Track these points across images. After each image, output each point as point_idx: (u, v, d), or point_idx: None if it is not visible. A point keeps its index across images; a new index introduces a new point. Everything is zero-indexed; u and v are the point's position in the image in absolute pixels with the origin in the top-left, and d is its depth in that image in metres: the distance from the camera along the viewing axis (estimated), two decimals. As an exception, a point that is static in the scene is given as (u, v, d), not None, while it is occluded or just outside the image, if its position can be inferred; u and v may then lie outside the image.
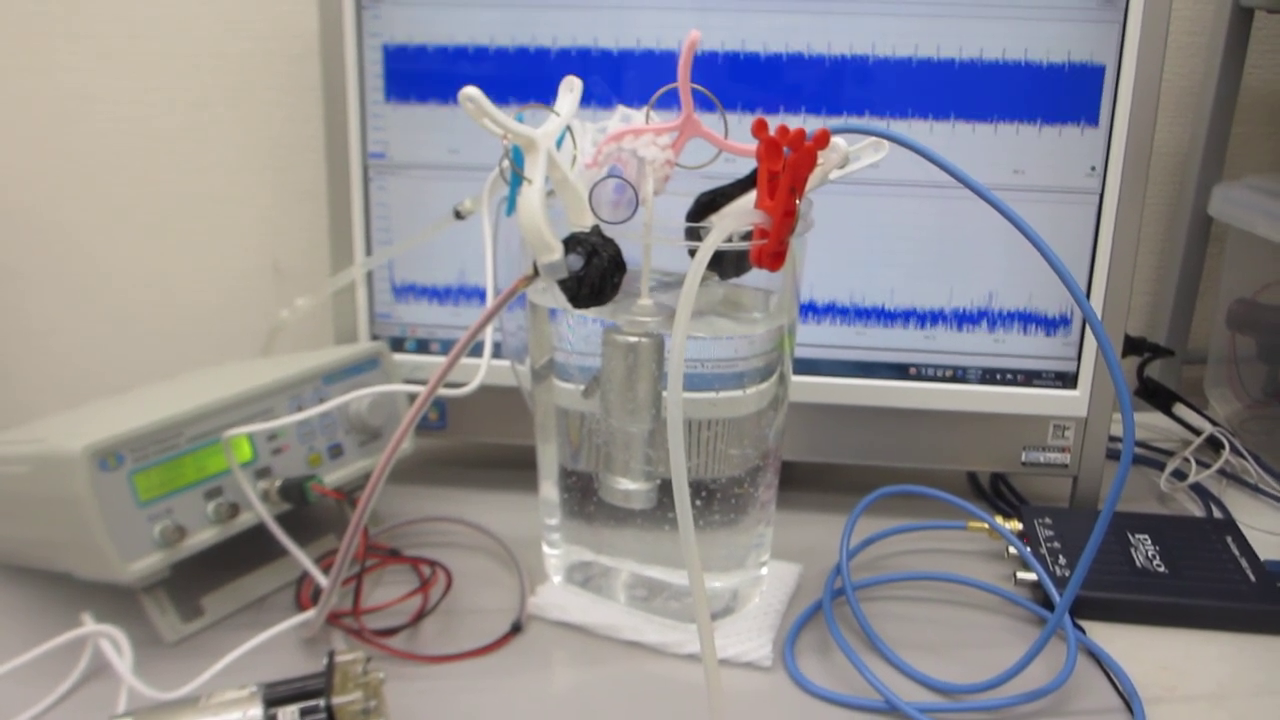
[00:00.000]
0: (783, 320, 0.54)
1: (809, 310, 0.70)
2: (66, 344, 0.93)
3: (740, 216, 0.48)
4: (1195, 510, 0.76)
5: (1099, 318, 0.68)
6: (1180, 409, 0.84)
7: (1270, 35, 0.88)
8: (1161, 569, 0.63)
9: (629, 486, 0.54)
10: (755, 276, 0.52)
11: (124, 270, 0.91)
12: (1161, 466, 0.80)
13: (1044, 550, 0.65)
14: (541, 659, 0.57)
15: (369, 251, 0.74)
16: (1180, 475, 0.79)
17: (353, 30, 0.70)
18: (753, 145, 0.48)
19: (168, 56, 0.86)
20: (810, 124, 0.66)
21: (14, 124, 0.87)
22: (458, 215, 0.67)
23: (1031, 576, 0.63)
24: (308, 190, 0.90)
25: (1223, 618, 0.61)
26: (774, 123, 0.64)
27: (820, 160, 0.49)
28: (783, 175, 0.47)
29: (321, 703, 0.46)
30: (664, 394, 0.51)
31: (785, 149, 0.47)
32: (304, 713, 0.46)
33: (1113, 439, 0.86)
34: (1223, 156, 0.88)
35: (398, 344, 0.75)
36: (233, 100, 0.87)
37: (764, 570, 0.61)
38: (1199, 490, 0.78)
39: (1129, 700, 0.54)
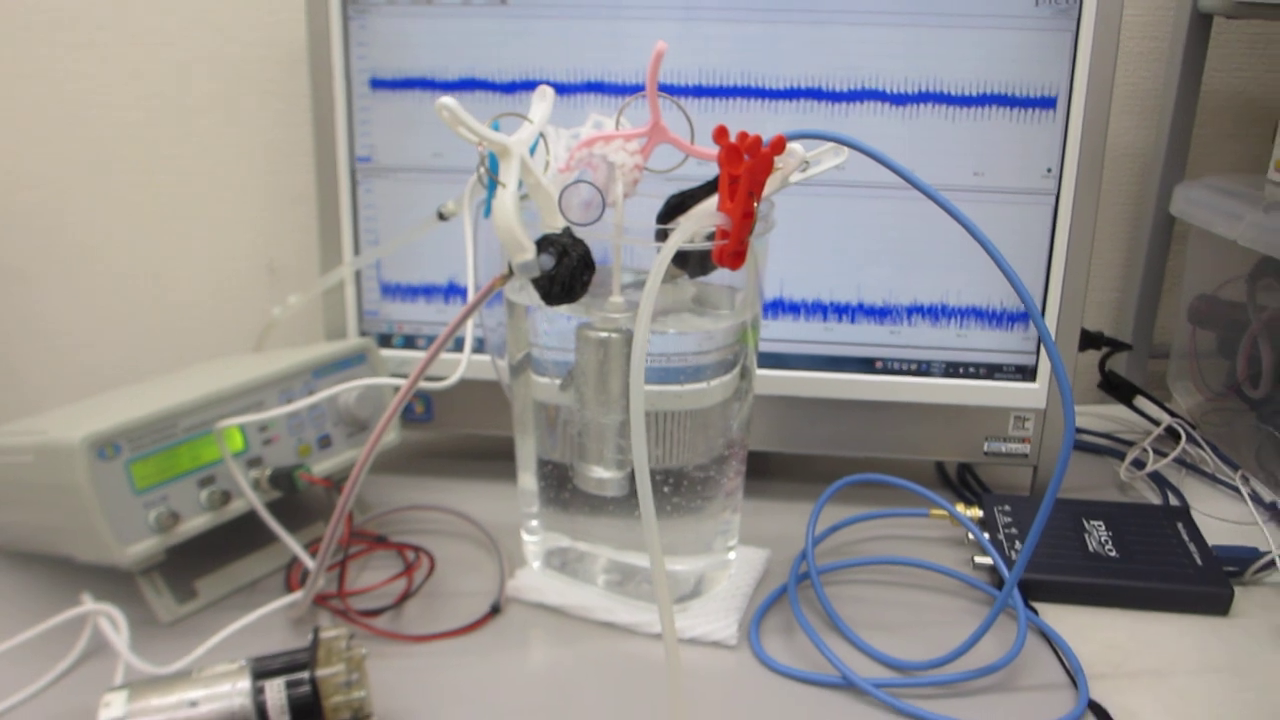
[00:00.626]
0: (746, 316, 0.57)
1: (780, 307, 0.73)
2: (70, 341, 0.96)
3: (702, 218, 0.50)
4: (1155, 499, 0.79)
5: (1045, 314, 0.71)
6: (1141, 401, 0.87)
7: (1229, 40, 0.91)
8: (1112, 553, 0.66)
9: (602, 475, 0.57)
10: (721, 274, 0.55)
11: (124, 270, 0.94)
12: (1122, 456, 0.83)
13: (1001, 536, 0.68)
14: (519, 638, 0.60)
15: (357, 251, 0.77)
16: (1140, 465, 0.82)
17: (339, 39, 0.73)
18: (716, 150, 0.51)
19: (166, 64, 0.89)
20: (781, 121, 0.69)
21: (18, 129, 0.90)
22: (441, 217, 0.70)
23: (988, 560, 0.66)
24: (299, 193, 0.92)
25: (1168, 599, 0.64)
26: (747, 117, 0.68)
27: (778, 165, 0.52)
28: (741, 179, 0.50)
29: (306, 675, 0.49)
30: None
31: (745, 155, 0.50)
32: (289, 684, 0.49)
33: (1078, 430, 0.89)
34: (1185, 157, 0.91)
35: (385, 340, 0.78)
36: (227, 106, 0.90)
37: (731, 555, 0.64)
38: (1158, 479, 0.81)
39: (1074, 676, 0.57)
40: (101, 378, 0.96)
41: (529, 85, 0.71)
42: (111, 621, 0.57)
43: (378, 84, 0.74)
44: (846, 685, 0.56)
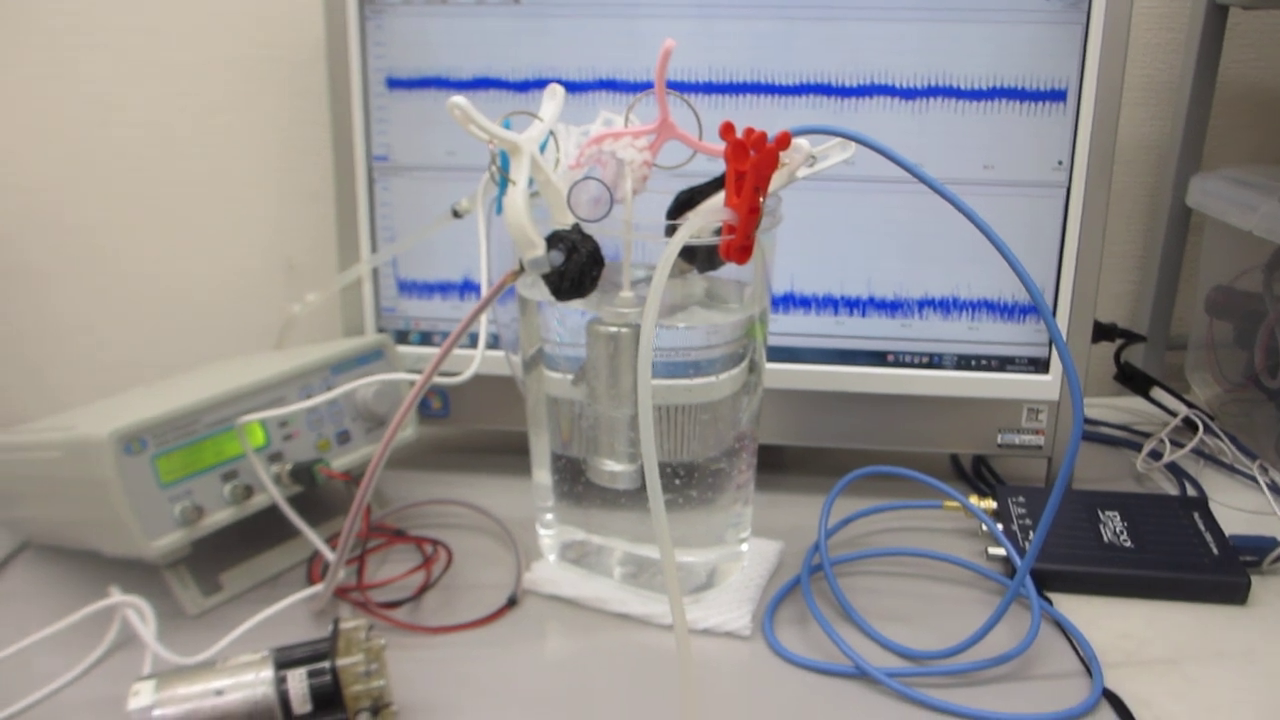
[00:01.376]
0: (755, 310, 0.58)
1: (791, 301, 0.74)
2: (93, 340, 0.97)
3: (709, 214, 0.51)
4: (1172, 490, 0.79)
5: (1057, 306, 0.71)
6: (1158, 392, 0.87)
7: (1246, 30, 0.91)
8: (1127, 543, 0.66)
9: (614, 468, 0.58)
10: (730, 269, 0.55)
11: (145, 269, 0.96)
12: (1139, 448, 0.83)
13: (1015, 527, 0.68)
14: (535, 630, 0.61)
15: (374, 249, 0.78)
16: (1157, 456, 0.82)
17: (356, 39, 0.74)
18: (723, 146, 0.51)
19: (183, 65, 0.90)
20: (792, 117, 0.70)
21: (40, 131, 0.91)
22: (455, 214, 0.71)
23: (1002, 552, 0.66)
24: (316, 191, 0.94)
25: (1184, 588, 0.64)
26: (758, 114, 0.68)
27: (784, 161, 0.53)
28: (748, 175, 0.50)
29: (327, 665, 0.50)
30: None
31: (751, 150, 0.50)
32: (311, 674, 0.50)
33: (1091, 422, 0.89)
34: (1200, 148, 0.90)
35: (402, 336, 0.80)
36: (244, 106, 0.92)
37: (744, 547, 0.65)
38: (1175, 470, 0.81)
39: (1089, 665, 0.57)
40: (122, 376, 0.97)
41: (542, 83, 0.72)
42: (139, 613, 0.58)
43: (394, 83, 0.75)
44: (860, 675, 0.57)
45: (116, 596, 0.60)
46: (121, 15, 0.89)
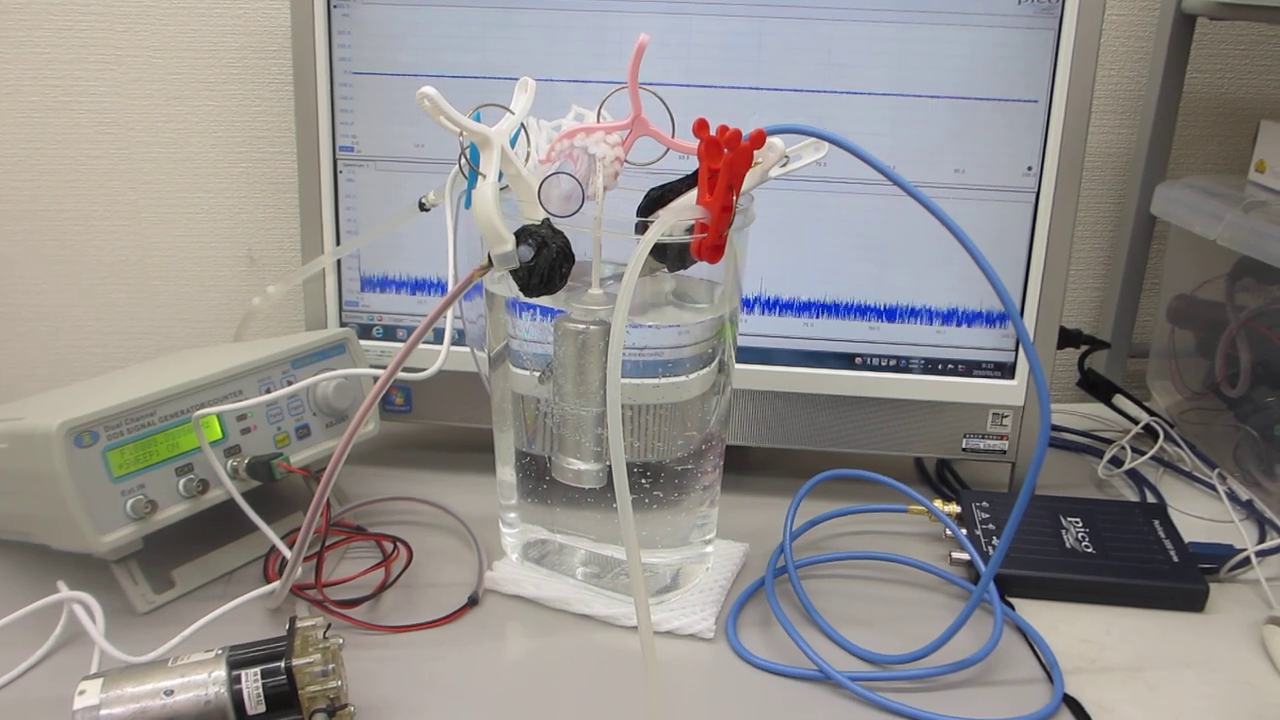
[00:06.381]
0: (725, 310, 0.57)
1: (761, 302, 0.74)
2: (47, 329, 0.95)
3: (681, 212, 0.51)
4: (1133, 497, 0.79)
5: (1024, 311, 0.72)
6: (1120, 400, 0.87)
7: (1212, 41, 0.92)
8: (1089, 549, 0.66)
9: (580, 466, 0.57)
10: (701, 268, 0.55)
11: (103, 257, 0.94)
12: (1101, 454, 0.84)
13: (979, 532, 0.68)
14: (496, 630, 0.60)
15: (339, 241, 0.76)
16: (1118, 463, 0.82)
17: (323, 28, 0.72)
18: (696, 143, 0.51)
19: (147, 50, 0.88)
20: (764, 117, 0.69)
21: (-3, 114, 0.89)
22: (422, 207, 0.70)
23: (965, 556, 0.66)
24: (281, 182, 0.92)
25: (1144, 595, 0.64)
26: (730, 111, 0.68)
27: (758, 159, 0.52)
28: (721, 173, 0.50)
29: (282, 665, 0.49)
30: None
31: (724, 148, 0.50)
32: (265, 674, 0.49)
33: (1053, 428, 0.90)
34: (1166, 157, 0.91)
35: (366, 331, 0.78)
36: (209, 94, 0.90)
37: (709, 548, 0.64)
38: (1136, 477, 0.81)
39: (1049, 670, 0.57)
40: (80, 365, 0.96)
41: (512, 76, 0.71)
42: (87, 610, 0.56)
43: (360, 74, 0.73)
44: (823, 679, 0.56)
45: (64, 592, 0.58)
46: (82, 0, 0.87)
